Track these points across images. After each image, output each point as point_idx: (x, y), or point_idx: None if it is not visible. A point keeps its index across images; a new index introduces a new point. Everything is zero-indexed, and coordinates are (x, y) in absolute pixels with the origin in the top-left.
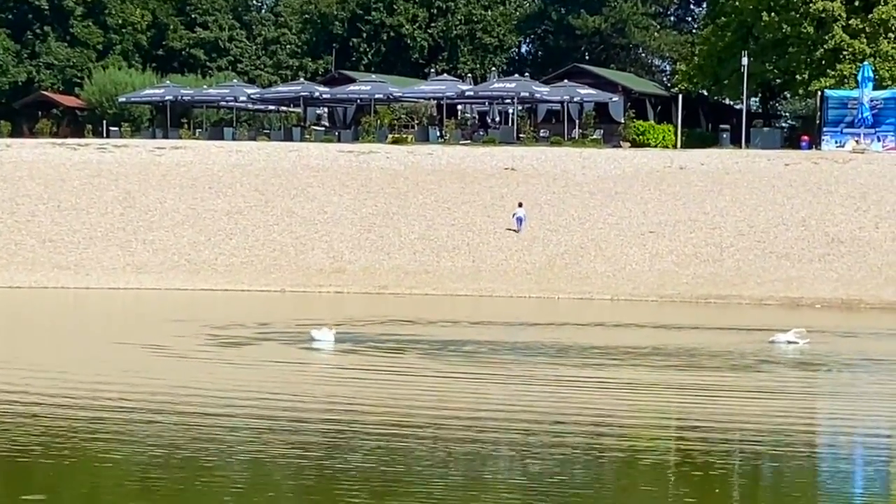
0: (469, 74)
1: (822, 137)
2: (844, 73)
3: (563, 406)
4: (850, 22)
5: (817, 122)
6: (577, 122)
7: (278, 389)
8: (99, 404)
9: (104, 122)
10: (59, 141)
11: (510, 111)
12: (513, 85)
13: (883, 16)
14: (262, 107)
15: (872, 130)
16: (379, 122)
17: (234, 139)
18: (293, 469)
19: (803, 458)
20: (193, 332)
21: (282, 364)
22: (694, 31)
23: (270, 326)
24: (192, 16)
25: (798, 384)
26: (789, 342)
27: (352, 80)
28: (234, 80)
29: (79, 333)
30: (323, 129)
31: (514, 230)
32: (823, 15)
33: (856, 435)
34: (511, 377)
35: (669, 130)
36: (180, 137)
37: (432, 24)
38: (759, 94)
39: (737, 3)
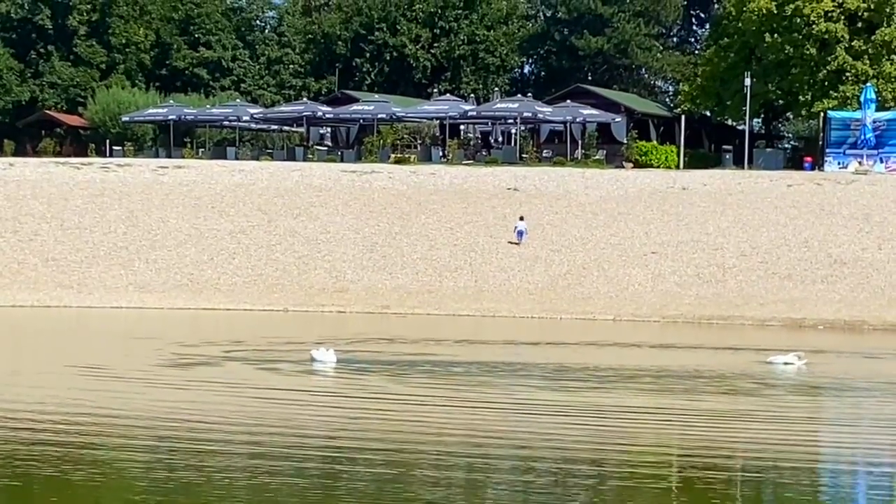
0: (472, 94)
1: (825, 158)
2: (847, 94)
3: (563, 433)
4: (852, 43)
5: (820, 143)
6: (579, 142)
7: (191, 413)
8: None
9: (107, 141)
10: (63, 160)
11: (513, 131)
12: (516, 105)
13: (886, 37)
14: (265, 126)
15: (875, 152)
16: (382, 142)
17: (236, 159)
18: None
19: (805, 486)
20: (151, 351)
21: (212, 385)
22: (697, 51)
23: (243, 345)
24: (196, 35)
25: (797, 409)
26: (787, 363)
27: (355, 100)
28: (238, 100)
29: (34, 353)
30: (326, 148)
31: (516, 243)
32: (826, 36)
33: (858, 464)
34: (510, 402)
35: (672, 151)
36: (183, 157)
37: (435, 45)
38: (762, 115)
39: (739, 24)
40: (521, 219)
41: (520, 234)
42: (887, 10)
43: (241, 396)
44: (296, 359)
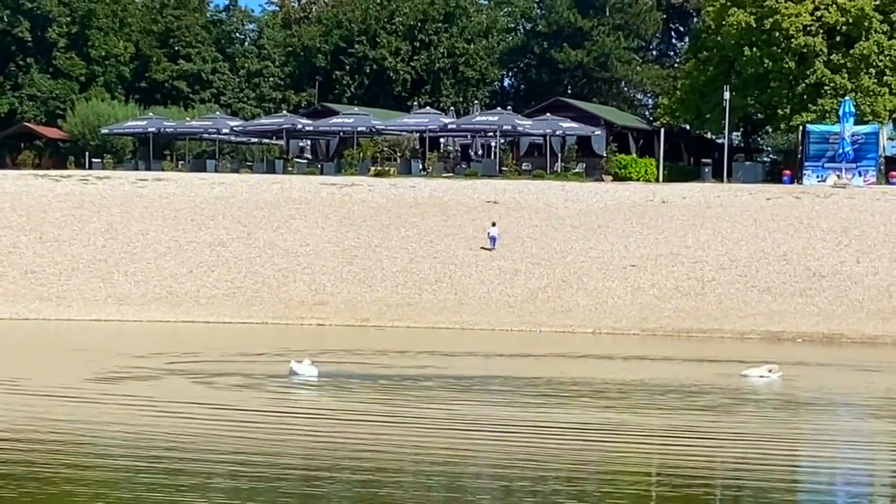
0: (452, 107)
1: (804, 172)
2: (826, 107)
3: (541, 451)
4: (831, 57)
5: (799, 156)
6: (559, 155)
7: (82, 430)
8: None
9: (87, 153)
10: (42, 172)
11: (493, 144)
12: (495, 118)
13: (864, 51)
14: (244, 139)
15: (853, 165)
16: (361, 154)
17: (216, 171)
18: None
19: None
20: (88, 364)
21: (126, 400)
22: (676, 65)
23: (195, 357)
24: (176, 48)
25: (774, 424)
26: (762, 377)
27: (335, 113)
28: (217, 113)
29: None
30: (305, 161)
31: (489, 248)
32: (805, 50)
33: (837, 483)
34: (488, 418)
35: (651, 164)
36: (163, 169)
37: (415, 58)
38: (741, 129)
39: (719, 38)
40: (493, 224)
41: (492, 239)
42: (865, 24)
43: (151, 411)
44: (238, 371)
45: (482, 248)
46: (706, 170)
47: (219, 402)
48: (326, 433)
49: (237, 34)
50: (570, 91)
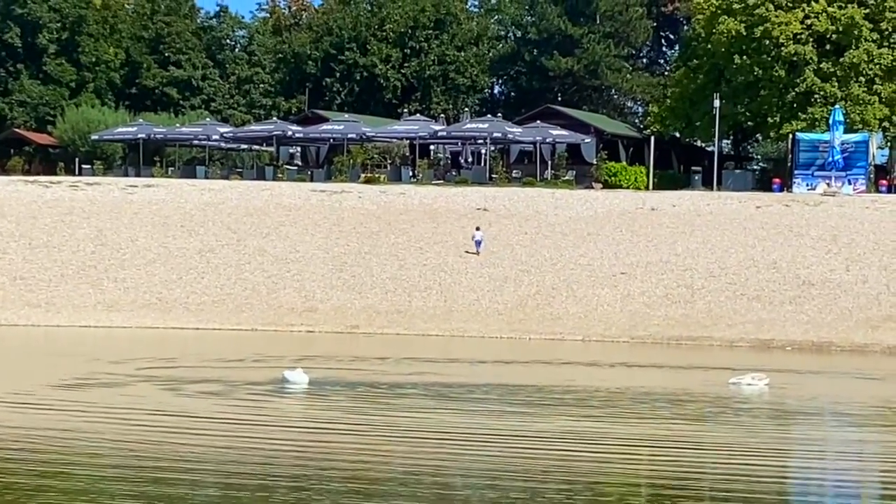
0: (442, 115)
1: (794, 180)
2: (816, 116)
3: (532, 461)
4: (821, 66)
5: (788, 164)
6: (549, 162)
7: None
8: None
9: (76, 159)
10: (31, 178)
11: (483, 151)
12: (485, 125)
13: (854, 60)
14: (234, 145)
15: (843, 173)
16: (352, 161)
17: (206, 178)
18: None
19: None
20: (57, 370)
21: (84, 407)
22: (666, 73)
23: (171, 363)
24: (166, 54)
25: (762, 433)
26: (749, 384)
27: (325, 120)
28: (207, 119)
29: None
30: (295, 168)
31: (474, 252)
32: (795, 58)
33: (826, 494)
34: (475, 426)
35: (641, 172)
36: (153, 176)
37: (405, 65)
38: (731, 137)
39: (709, 46)
40: (478, 229)
41: (477, 243)
42: (855, 32)
43: (105, 418)
44: (210, 378)
45: (466, 251)
46: (696, 178)
47: (180, 410)
48: (287, 442)
49: (227, 40)
50: (560, 98)
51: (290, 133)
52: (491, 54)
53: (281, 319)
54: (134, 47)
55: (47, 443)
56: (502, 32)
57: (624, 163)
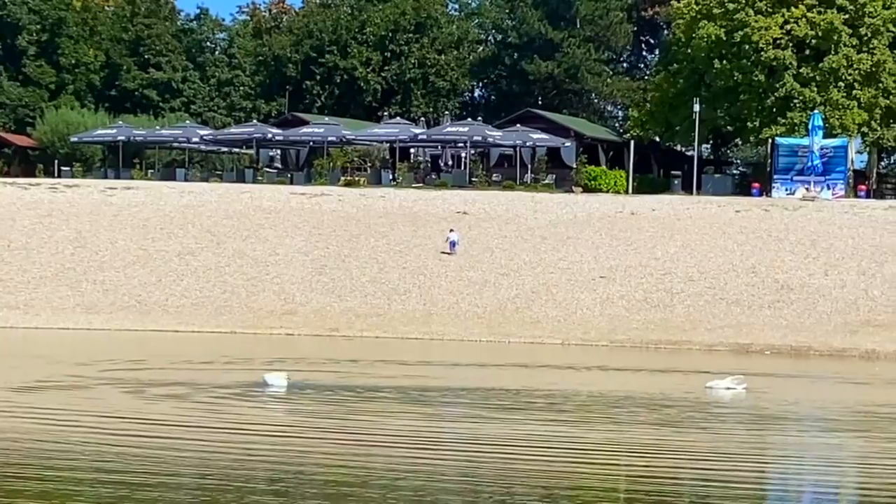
0: (422, 118)
1: (773, 185)
2: (795, 121)
3: (509, 466)
4: (800, 70)
5: (768, 169)
6: (529, 166)
7: None
8: None
9: (56, 161)
10: (10, 180)
11: (463, 155)
12: (466, 129)
13: (833, 65)
14: (214, 148)
15: (822, 178)
16: (332, 164)
17: (186, 180)
18: None
19: None
20: (14, 373)
21: (32, 410)
22: (646, 77)
23: (140, 365)
24: (146, 56)
25: (740, 437)
26: (727, 388)
27: (305, 123)
28: (187, 121)
29: None
30: (275, 170)
31: (448, 253)
32: (775, 63)
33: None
34: (452, 431)
35: (621, 176)
36: (132, 178)
37: (386, 68)
38: (711, 141)
39: (689, 51)
40: (452, 230)
41: (452, 244)
42: (835, 37)
43: (55, 421)
44: (175, 380)
45: (442, 252)
46: (676, 182)
47: (138, 413)
48: (263, 446)
49: (208, 43)
50: (540, 102)
51: (270, 136)
52: (471, 58)
53: (260, 322)
54: (114, 49)
55: None
56: (483, 36)
57: (604, 167)
